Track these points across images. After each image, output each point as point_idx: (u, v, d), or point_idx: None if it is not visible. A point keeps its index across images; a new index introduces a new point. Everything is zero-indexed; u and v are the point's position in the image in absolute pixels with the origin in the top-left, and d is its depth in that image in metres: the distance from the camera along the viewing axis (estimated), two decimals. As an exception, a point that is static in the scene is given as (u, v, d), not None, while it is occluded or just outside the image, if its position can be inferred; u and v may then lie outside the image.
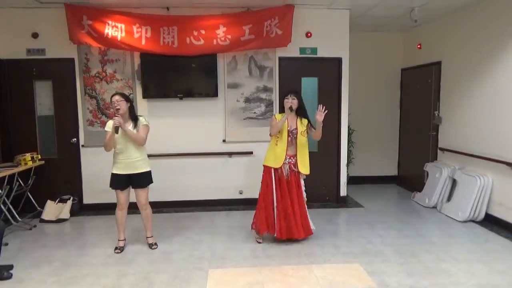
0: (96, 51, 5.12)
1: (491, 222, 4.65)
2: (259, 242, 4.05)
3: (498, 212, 4.60)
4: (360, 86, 6.40)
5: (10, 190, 4.57)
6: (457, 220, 4.79)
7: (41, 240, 4.27)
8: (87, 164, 5.26)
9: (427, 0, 4.78)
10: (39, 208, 5.04)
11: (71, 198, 5.08)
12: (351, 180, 6.18)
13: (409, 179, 6.52)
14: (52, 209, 4.93)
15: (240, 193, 5.48)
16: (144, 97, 5.18)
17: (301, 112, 3.97)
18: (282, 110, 4.26)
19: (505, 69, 4.47)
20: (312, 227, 4.09)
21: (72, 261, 3.68)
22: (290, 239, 3.99)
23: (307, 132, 3.96)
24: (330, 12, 5.27)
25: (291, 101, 3.88)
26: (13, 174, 4.54)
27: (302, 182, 4.03)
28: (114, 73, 5.19)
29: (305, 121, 3.98)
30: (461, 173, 5.07)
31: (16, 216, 4.71)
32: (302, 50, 5.33)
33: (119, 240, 3.94)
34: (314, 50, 5.35)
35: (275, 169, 3.92)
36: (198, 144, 5.33)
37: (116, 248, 3.90)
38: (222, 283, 3.22)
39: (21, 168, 4.61)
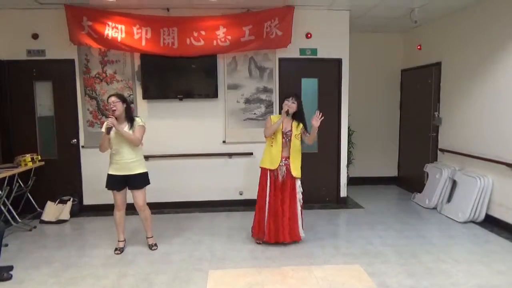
0: (96, 52, 5.13)
1: (491, 223, 4.64)
2: (259, 243, 4.05)
3: (498, 213, 4.60)
4: (360, 87, 6.41)
5: (10, 191, 4.57)
6: (457, 221, 4.78)
7: (41, 241, 4.27)
8: (87, 165, 5.26)
9: (427, 1, 4.79)
10: (39, 209, 5.04)
11: (71, 199, 5.08)
12: (351, 181, 6.18)
13: (409, 180, 6.52)
14: (52, 210, 4.93)
15: (240, 194, 5.47)
16: (144, 98, 5.19)
17: (298, 117, 3.94)
18: (281, 110, 4.25)
19: (505, 70, 4.47)
20: (302, 234, 4.00)
21: (72, 262, 3.68)
22: (277, 243, 3.96)
23: (301, 136, 3.93)
24: (330, 13, 5.27)
25: (290, 104, 3.86)
26: (13, 175, 4.54)
27: (298, 185, 3.97)
28: (114, 74, 5.19)
29: (300, 125, 3.95)
30: (461, 174, 5.07)
31: (16, 217, 4.71)
32: (302, 51, 5.33)
33: (119, 241, 3.94)
34: (314, 51, 5.35)
35: (271, 171, 3.91)
36: (198, 145, 5.33)
37: (116, 249, 3.90)
38: (222, 284, 3.21)
39: (21, 169, 4.61)
